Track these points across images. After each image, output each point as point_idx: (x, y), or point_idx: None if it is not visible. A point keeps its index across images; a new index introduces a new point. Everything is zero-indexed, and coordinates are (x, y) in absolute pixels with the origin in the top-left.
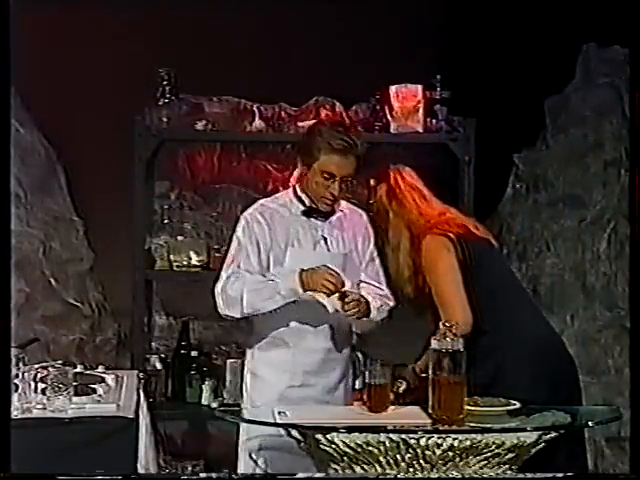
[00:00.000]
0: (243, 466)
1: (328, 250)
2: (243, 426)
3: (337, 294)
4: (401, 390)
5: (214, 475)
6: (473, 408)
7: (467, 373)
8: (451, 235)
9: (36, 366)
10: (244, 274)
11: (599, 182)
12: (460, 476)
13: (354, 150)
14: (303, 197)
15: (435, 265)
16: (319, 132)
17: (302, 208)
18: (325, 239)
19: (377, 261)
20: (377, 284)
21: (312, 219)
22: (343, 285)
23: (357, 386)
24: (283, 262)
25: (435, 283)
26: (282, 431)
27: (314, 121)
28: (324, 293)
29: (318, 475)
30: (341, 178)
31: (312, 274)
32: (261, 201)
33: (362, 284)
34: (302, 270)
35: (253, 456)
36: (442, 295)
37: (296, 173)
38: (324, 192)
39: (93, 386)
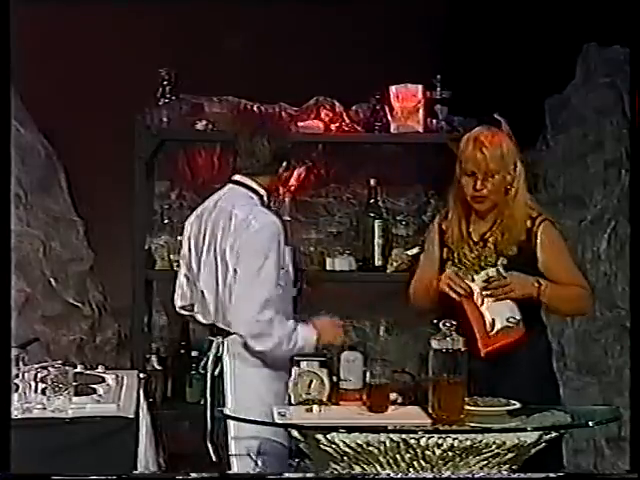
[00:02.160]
0: (240, 465)
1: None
2: (235, 425)
3: None
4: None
5: (207, 475)
6: (473, 408)
7: (467, 373)
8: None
9: (36, 366)
10: (283, 320)
11: (599, 182)
12: (460, 476)
13: None
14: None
15: (561, 245)
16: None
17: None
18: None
19: None
20: None
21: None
22: None
23: None
24: (285, 266)
25: (562, 260)
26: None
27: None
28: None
29: (318, 475)
30: None
31: (325, 331)
32: (249, 201)
33: None
34: (317, 324)
35: (252, 456)
36: (578, 271)
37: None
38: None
39: (93, 386)
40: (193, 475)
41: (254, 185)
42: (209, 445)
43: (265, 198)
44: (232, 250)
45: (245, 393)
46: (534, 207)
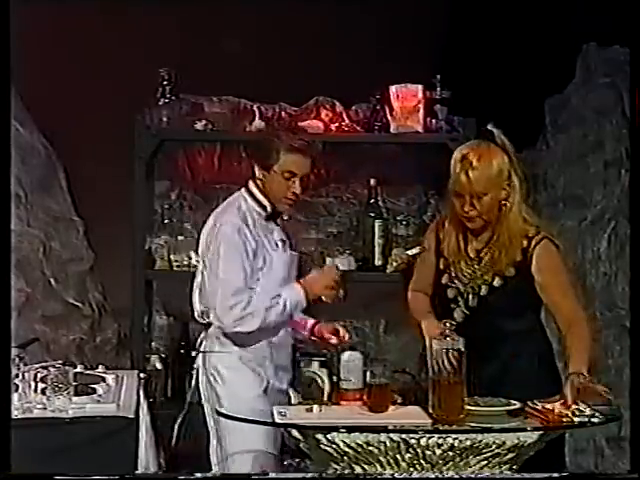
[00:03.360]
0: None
1: (292, 250)
2: (227, 438)
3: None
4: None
5: (209, 475)
6: (473, 408)
7: (467, 373)
8: (560, 247)
9: (36, 366)
10: (253, 293)
11: (599, 182)
12: (463, 476)
13: (311, 149)
14: (265, 202)
15: (557, 266)
16: (277, 134)
17: (264, 213)
18: (283, 241)
19: None
20: None
21: (269, 223)
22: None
23: None
24: (259, 271)
25: (559, 284)
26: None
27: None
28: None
29: (318, 475)
30: (301, 177)
31: (312, 283)
32: (231, 205)
33: None
34: (301, 281)
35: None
36: (573, 295)
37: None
38: (286, 192)
39: (93, 386)
40: (197, 475)
41: (244, 189)
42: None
43: (244, 202)
44: (204, 249)
45: (233, 383)
46: (531, 221)
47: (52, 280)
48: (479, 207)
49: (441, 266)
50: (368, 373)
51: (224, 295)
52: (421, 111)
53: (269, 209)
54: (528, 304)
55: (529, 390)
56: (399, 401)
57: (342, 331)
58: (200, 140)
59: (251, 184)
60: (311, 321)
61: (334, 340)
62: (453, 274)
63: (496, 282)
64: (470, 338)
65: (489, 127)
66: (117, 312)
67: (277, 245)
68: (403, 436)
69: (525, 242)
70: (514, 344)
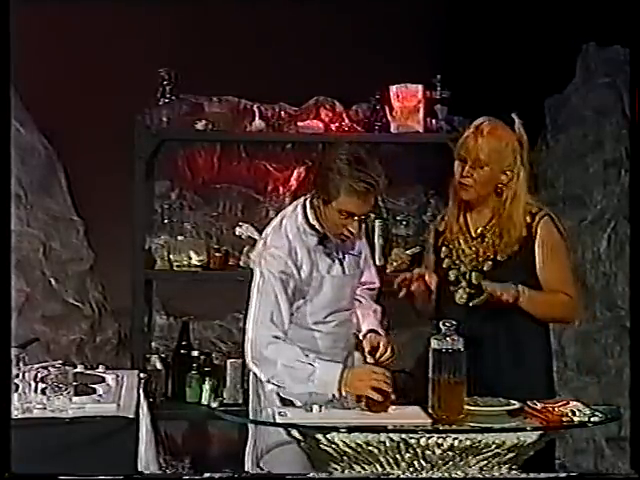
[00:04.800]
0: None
1: (344, 273)
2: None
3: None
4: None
5: (215, 475)
6: (473, 408)
7: (467, 373)
8: (563, 232)
9: (36, 366)
10: (281, 344)
11: (599, 182)
12: (460, 476)
13: (375, 190)
14: (317, 226)
15: (556, 243)
16: (339, 170)
17: (316, 239)
18: (340, 261)
19: (368, 251)
20: (370, 282)
21: (324, 245)
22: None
23: None
24: (306, 294)
25: (555, 261)
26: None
27: (332, 153)
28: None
29: (318, 475)
30: (360, 216)
31: (356, 378)
32: (280, 227)
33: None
34: (344, 368)
35: (262, 466)
36: (567, 275)
37: (308, 199)
38: (341, 229)
39: (93, 386)
40: (206, 475)
41: (300, 212)
42: None
43: (294, 226)
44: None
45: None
46: (533, 203)
47: (52, 280)
48: (476, 176)
49: (442, 255)
50: None
51: (251, 326)
52: (421, 111)
53: (321, 233)
54: (534, 280)
55: (532, 366)
56: (399, 401)
57: (380, 352)
58: (200, 140)
59: (308, 208)
60: (367, 326)
61: (369, 359)
62: (455, 256)
63: (500, 257)
64: (474, 317)
65: (512, 115)
66: (117, 312)
67: (331, 266)
68: (403, 436)
69: (529, 218)
70: (517, 322)
